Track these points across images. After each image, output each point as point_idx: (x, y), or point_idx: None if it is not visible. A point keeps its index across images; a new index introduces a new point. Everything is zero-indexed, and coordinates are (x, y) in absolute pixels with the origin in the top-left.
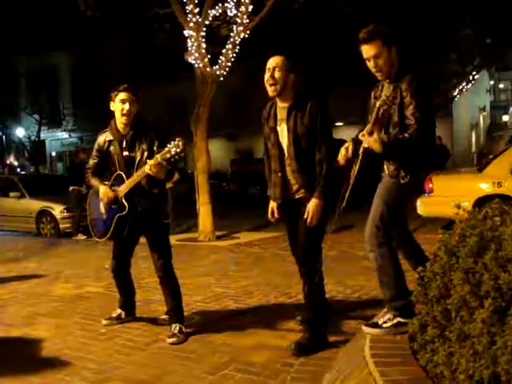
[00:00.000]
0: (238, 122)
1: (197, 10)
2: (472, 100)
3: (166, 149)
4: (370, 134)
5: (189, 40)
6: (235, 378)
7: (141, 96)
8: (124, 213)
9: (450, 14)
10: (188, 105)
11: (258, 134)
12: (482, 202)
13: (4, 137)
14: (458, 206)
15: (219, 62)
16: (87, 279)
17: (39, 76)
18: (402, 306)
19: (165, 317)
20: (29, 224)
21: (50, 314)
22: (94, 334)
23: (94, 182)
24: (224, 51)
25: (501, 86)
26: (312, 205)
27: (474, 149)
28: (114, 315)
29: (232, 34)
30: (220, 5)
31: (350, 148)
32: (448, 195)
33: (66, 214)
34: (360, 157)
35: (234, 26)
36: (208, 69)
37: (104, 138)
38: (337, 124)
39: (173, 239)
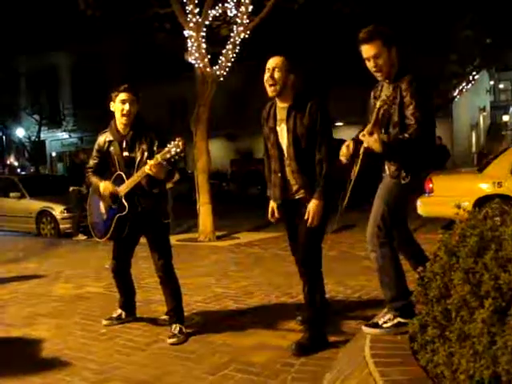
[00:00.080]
0: (238, 122)
1: (197, 10)
2: (472, 100)
3: (166, 149)
4: (371, 134)
5: (189, 40)
6: (235, 379)
7: (141, 96)
8: (124, 213)
9: (450, 14)
10: (188, 105)
11: (258, 134)
12: (482, 202)
13: (4, 137)
14: (458, 206)
15: (219, 62)
16: (87, 279)
17: (39, 76)
18: (403, 306)
19: (165, 317)
20: (29, 224)
21: (50, 315)
22: (94, 334)
23: (94, 179)
24: (224, 51)
25: (501, 86)
26: (312, 205)
27: (474, 149)
28: (115, 315)
29: (232, 35)
30: (220, 5)
31: (351, 146)
32: (448, 195)
33: (66, 214)
34: (360, 157)
35: (234, 27)
36: (208, 69)
37: (104, 138)
38: (337, 124)
39: (173, 239)
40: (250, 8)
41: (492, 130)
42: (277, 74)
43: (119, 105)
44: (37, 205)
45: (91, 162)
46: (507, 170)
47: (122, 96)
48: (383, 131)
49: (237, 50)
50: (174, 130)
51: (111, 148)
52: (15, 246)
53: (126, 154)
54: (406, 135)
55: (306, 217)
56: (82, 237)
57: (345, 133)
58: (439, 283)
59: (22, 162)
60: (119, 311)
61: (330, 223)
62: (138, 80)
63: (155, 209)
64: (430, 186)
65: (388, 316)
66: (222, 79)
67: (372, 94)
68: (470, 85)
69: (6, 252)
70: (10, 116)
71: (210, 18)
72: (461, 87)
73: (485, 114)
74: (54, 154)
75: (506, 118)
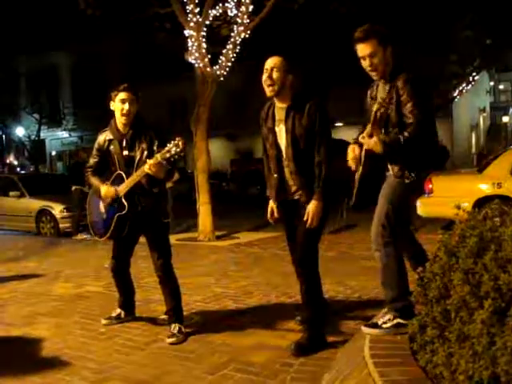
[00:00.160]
0: (238, 121)
1: (197, 9)
2: (472, 101)
3: (166, 148)
4: (370, 136)
5: (189, 40)
6: (235, 378)
7: (141, 96)
8: (124, 212)
9: (450, 14)
10: (188, 105)
11: (258, 134)
12: (481, 202)
13: (4, 136)
14: (458, 207)
15: (219, 61)
16: (87, 279)
17: (39, 75)
18: (403, 307)
19: (164, 317)
20: (28, 223)
21: (49, 314)
22: (93, 333)
23: (94, 181)
24: (224, 51)
25: (501, 86)
26: (312, 206)
27: (473, 150)
28: (114, 315)
29: (232, 34)
30: (220, 5)
31: (357, 149)
32: (448, 196)
33: (65, 213)
34: (362, 159)
35: (235, 26)
36: (208, 69)
37: (104, 137)
38: (336, 124)
39: (172, 239)
40: (251, 8)
41: (492, 131)
42: (275, 74)
43: (119, 104)
44: (36, 204)
45: (91, 161)
46: (507, 170)
47: (122, 95)
48: (383, 131)
49: (237, 50)
50: (174, 130)
51: (111, 147)
52: (15, 245)
53: (125, 153)
54: (406, 134)
55: (305, 218)
56: (81, 236)
57: (344, 133)
58: (439, 284)
59: (22, 161)
60: (118, 310)
61: (328, 224)
62: (138, 79)
63: (155, 208)
64: (430, 186)
65: (388, 316)
66: (222, 79)
67: (368, 93)
68: (470, 85)
69: (5, 251)
70: (10, 115)
71: (211, 18)
72: (461, 88)
73: (485, 114)
74: (53, 153)
75: (505, 118)
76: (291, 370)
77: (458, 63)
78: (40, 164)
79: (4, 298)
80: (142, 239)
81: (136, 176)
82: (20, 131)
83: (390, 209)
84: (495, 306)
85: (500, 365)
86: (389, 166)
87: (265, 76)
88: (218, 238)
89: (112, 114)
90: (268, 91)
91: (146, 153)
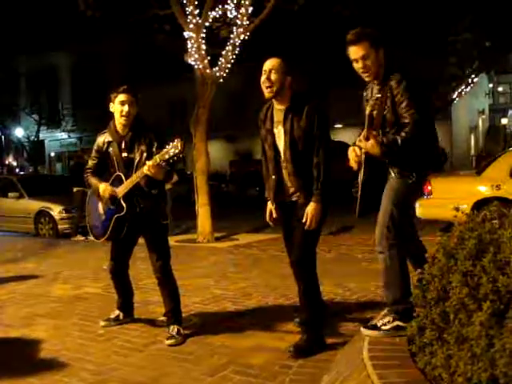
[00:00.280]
0: (238, 123)
1: (197, 11)
2: (471, 103)
3: (165, 150)
4: (367, 139)
5: (189, 41)
6: (234, 380)
7: (140, 97)
8: (122, 213)
9: (449, 17)
10: (187, 106)
11: (257, 135)
12: (480, 204)
13: (3, 137)
14: (457, 209)
15: (219, 63)
16: (85, 280)
17: (39, 76)
18: (403, 310)
19: (163, 318)
20: (27, 224)
21: (48, 315)
22: (92, 335)
23: (93, 180)
24: (224, 53)
25: (500, 89)
26: (310, 208)
27: (472, 151)
28: (112, 316)
29: (232, 36)
30: (220, 6)
31: (357, 150)
32: (447, 198)
33: (64, 214)
34: (363, 163)
35: (234, 28)
36: (208, 70)
37: (103, 138)
38: (336, 126)
39: (171, 240)
40: (250, 9)
41: (491, 133)
42: (273, 76)
43: (118, 106)
44: (35, 205)
45: (90, 163)
46: (506, 172)
47: (121, 97)
48: (380, 133)
49: (237, 52)
50: (173, 131)
51: (110, 149)
52: (13, 246)
53: (124, 154)
54: (403, 134)
55: (303, 220)
56: (80, 237)
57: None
58: (437, 285)
59: (21, 162)
60: (117, 312)
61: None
62: (137, 81)
63: (154, 210)
64: (429, 188)
65: (387, 318)
66: (221, 80)
67: (364, 95)
68: (469, 87)
69: (4, 252)
70: (10, 116)
71: (210, 20)
72: (460, 90)
73: (484, 116)
74: (52, 154)
75: (504, 120)
76: (290, 371)
77: (458, 65)
78: (39, 165)
79: (2, 300)
80: (141, 241)
81: (135, 177)
82: (19, 132)
83: (394, 210)
84: (494, 308)
85: (499, 367)
86: (389, 168)
87: (263, 77)
88: (217, 239)
89: (111, 115)
90: (266, 93)
91: (145, 154)
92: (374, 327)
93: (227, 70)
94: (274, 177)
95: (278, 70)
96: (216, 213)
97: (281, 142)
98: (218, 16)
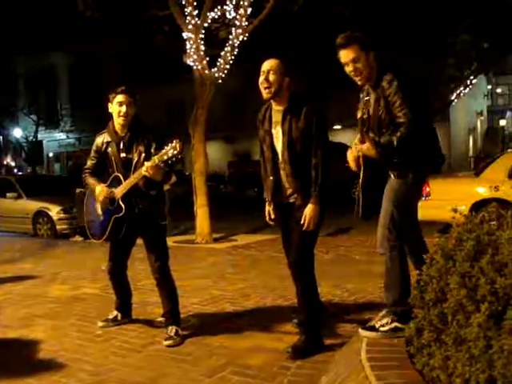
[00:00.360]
0: (236, 124)
1: (195, 12)
2: (469, 104)
3: (164, 151)
4: (362, 142)
5: (187, 42)
6: (232, 381)
7: (139, 98)
8: (121, 214)
9: (447, 19)
10: (186, 107)
11: (256, 136)
12: (478, 205)
13: (1, 137)
14: (455, 210)
15: (218, 64)
16: (84, 281)
17: (37, 76)
18: (402, 312)
19: (161, 319)
20: (25, 225)
21: (46, 316)
22: (90, 335)
23: (91, 181)
24: (223, 54)
25: (498, 90)
26: (309, 210)
27: (471, 153)
28: (111, 317)
29: (231, 37)
30: (219, 7)
31: (355, 152)
32: (445, 199)
33: (62, 214)
34: (362, 166)
35: (233, 29)
36: (206, 71)
37: (102, 139)
38: (335, 127)
39: (170, 241)
40: (249, 10)
41: (489, 134)
42: (272, 77)
43: (116, 107)
44: (33, 205)
45: (89, 163)
46: (504, 174)
47: (120, 98)
48: (376, 134)
49: (235, 53)
50: (172, 132)
51: (109, 149)
52: (11, 247)
53: (123, 155)
54: (398, 133)
55: (302, 221)
56: (78, 238)
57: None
58: (435, 287)
59: (19, 163)
60: (115, 313)
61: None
62: (136, 81)
63: (152, 210)
64: (427, 189)
65: (386, 320)
66: (220, 81)
67: (361, 97)
68: (467, 89)
69: (2, 252)
70: (8, 116)
71: (209, 20)
72: (458, 91)
73: (482, 118)
74: (51, 155)
75: (503, 122)
76: (288, 372)
77: (456, 67)
78: (37, 165)
79: (0, 300)
80: (139, 241)
81: (133, 178)
82: (17, 132)
83: (395, 211)
84: (492, 309)
85: (496, 368)
86: (388, 169)
87: (261, 78)
88: (216, 240)
89: (110, 115)
90: (265, 93)
91: (143, 155)
92: (372, 328)
93: (226, 71)
94: (271, 178)
95: (276, 71)
96: (214, 214)
97: (279, 143)
98: (216, 17)
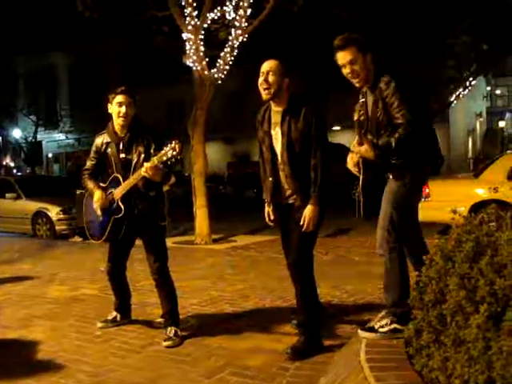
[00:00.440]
0: (236, 125)
1: (195, 13)
2: (469, 106)
3: (163, 151)
4: (360, 144)
5: (187, 43)
6: (231, 382)
7: (138, 98)
8: (120, 215)
9: (447, 20)
10: (186, 108)
11: (255, 137)
12: (478, 207)
13: (1, 138)
14: (455, 211)
15: (217, 65)
16: (83, 281)
17: (37, 77)
18: (402, 313)
19: (160, 320)
20: (25, 225)
21: (45, 317)
22: (89, 336)
23: (90, 184)
24: (222, 54)
25: (497, 92)
26: (308, 211)
27: (470, 154)
28: (110, 318)
29: (230, 38)
30: (218, 8)
31: (355, 156)
32: (444, 200)
33: (61, 215)
34: (361, 168)
35: (233, 30)
36: (206, 72)
37: (102, 139)
38: (334, 128)
39: (169, 242)
40: (249, 11)
41: (488, 136)
42: (271, 78)
43: (116, 107)
44: (33, 206)
45: (88, 164)
46: (503, 175)
47: (119, 98)
48: (374, 136)
49: (235, 53)
50: (171, 133)
51: (108, 150)
52: (10, 247)
53: (122, 155)
54: (396, 135)
55: (301, 222)
56: (78, 239)
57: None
58: (435, 288)
59: (19, 163)
60: (114, 314)
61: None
62: (135, 82)
63: (152, 211)
64: (427, 190)
65: (385, 321)
66: (219, 82)
67: (360, 98)
68: (466, 90)
69: (1, 253)
70: (7, 117)
71: (209, 21)
72: (458, 93)
73: (481, 119)
74: (50, 155)
75: (502, 123)
76: (287, 373)
77: (455, 68)
78: (36, 166)
79: None
80: (139, 242)
81: (133, 179)
82: (17, 133)
83: (394, 213)
84: (491, 310)
85: (496, 369)
86: (387, 170)
87: (261, 79)
88: (215, 241)
89: (109, 116)
90: (264, 94)
91: (143, 156)
92: (372, 329)
93: (225, 72)
94: (271, 179)
95: (275, 72)
96: (214, 214)
97: (278, 144)
98: (216, 18)
